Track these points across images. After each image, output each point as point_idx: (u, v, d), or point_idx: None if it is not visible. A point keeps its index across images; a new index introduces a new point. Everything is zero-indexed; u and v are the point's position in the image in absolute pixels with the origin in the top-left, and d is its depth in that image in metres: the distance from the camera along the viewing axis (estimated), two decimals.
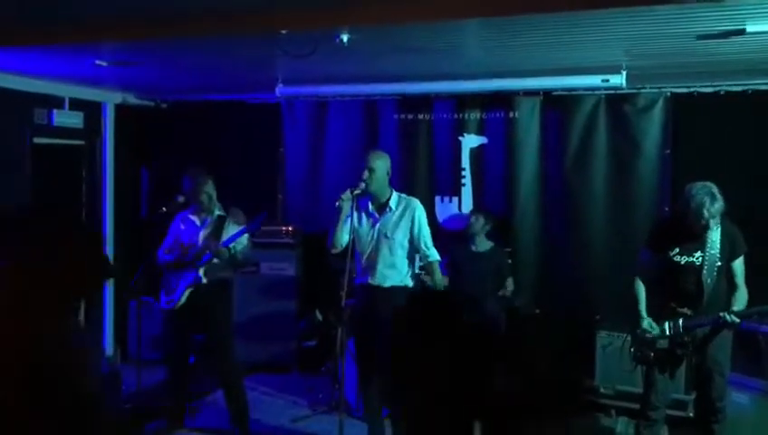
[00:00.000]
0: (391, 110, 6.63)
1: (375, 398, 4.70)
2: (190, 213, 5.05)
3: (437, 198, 6.52)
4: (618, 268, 5.64)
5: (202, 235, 4.96)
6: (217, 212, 4.98)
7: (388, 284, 4.52)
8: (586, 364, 5.60)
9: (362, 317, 4.63)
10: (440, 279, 4.73)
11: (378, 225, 4.55)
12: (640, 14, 3.65)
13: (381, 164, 4.52)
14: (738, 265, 4.24)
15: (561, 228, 6.16)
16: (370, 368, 4.64)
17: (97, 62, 5.17)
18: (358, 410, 5.26)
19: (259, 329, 6.47)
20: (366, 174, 4.46)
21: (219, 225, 4.93)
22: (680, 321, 4.25)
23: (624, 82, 5.38)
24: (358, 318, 4.72)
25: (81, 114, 6.86)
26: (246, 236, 4.90)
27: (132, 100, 7.37)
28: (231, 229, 4.91)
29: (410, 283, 4.63)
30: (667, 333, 4.28)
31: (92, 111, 7.07)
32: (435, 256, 4.62)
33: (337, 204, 4.50)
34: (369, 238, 4.56)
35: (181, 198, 5.04)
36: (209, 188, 4.93)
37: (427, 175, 6.55)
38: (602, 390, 5.49)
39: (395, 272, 4.52)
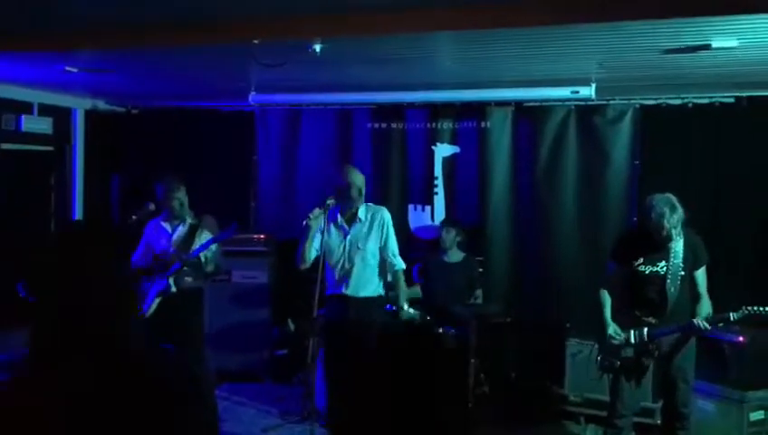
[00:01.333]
0: (365, 118, 6.65)
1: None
2: (162, 220, 5.01)
3: (410, 207, 6.55)
4: (588, 277, 5.71)
5: (173, 242, 4.92)
6: (189, 220, 4.96)
7: (362, 294, 4.54)
8: (556, 372, 5.66)
9: (335, 327, 4.63)
10: (404, 289, 4.74)
11: (348, 236, 4.57)
12: (610, 30, 3.72)
13: (361, 179, 4.56)
14: (701, 274, 4.33)
15: (532, 237, 6.22)
16: (340, 377, 4.64)
17: (67, 68, 5.11)
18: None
19: (231, 338, 6.42)
20: (355, 192, 4.49)
21: (191, 232, 4.91)
22: (645, 329, 4.33)
23: (593, 93, 5.48)
24: (330, 328, 4.71)
25: (50, 120, 6.78)
26: (217, 244, 4.88)
27: (103, 106, 7.30)
28: (203, 237, 4.88)
29: (383, 291, 4.66)
30: (632, 341, 4.35)
31: (62, 116, 6.99)
32: (400, 264, 4.65)
33: (305, 223, 4.51)
34: (342, 250, 4.57)
35: (152, 206, 5.00)
36: (180, 194, 4.90)
37: (399, 183, 6.57)
38: (572, 397, 5.55)
39: (369, 282, 4.55)
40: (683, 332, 4.26)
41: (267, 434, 5.33)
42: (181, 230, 4.94)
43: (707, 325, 4.17)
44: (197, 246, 4.81)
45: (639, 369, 4.39)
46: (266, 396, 6.09)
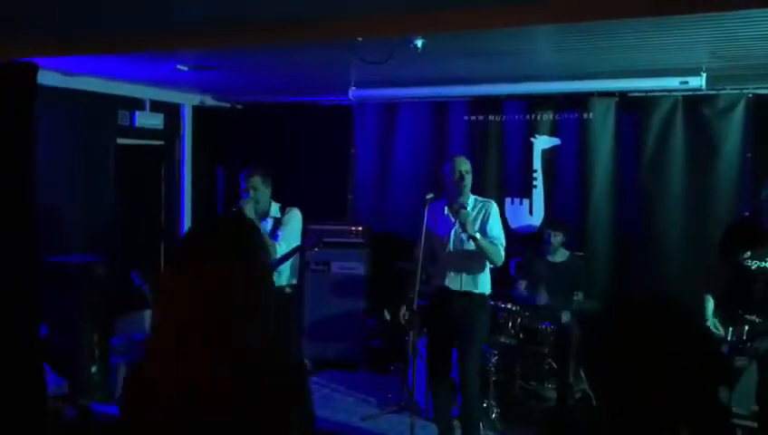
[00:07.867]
0: (461, 111, 6.62)
1: (445, 399, 4.73)
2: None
3: (508, 200, 6.48)
4: (694, 274, 5.49)
5: None
6: (273, 214, 4.93)
7: (467, 289, 4.53)
8: None
9: (439, 319, 4.65)
10: (488, 247, 4.46)
11: (454, 228, 4.56)
12: (724, 18, 3.56)
13: (467, 166, 4.57)
14: None
15: (636, 232, 6.02)
16: (442, 370, 4.68)
17: (178, 66, 5.36)
18: (427, 411, 5.30)
19: (329, 327, 6.59)
20: (467, 178, 4.50)
21: (275, 228, 4.88)
22: (745, 328, 4.07)
23: (704, 83, 5.23)
24: (433, 320, 4.74)
25: (161, 115, 7.12)
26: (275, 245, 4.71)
27: (209, 101, 7.60)
28: (283, 231, 4.83)
29: (488, 289, 4.62)
30: (728, 338, 4.10)
31: (172, 112, 7.33)
32: (500, 250, 4.51)
33: (427, 198, 4.51)
34: (447, 241, 4.58)
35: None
36: (252, 183, 4.79)
37: (497, 177, 6.51)
38: None
39: (475, 276, 4.53)
40: None
41: (366, 423, 5.44)
42: (265, 226, 4.82)
43: None
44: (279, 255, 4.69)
45: (732, 369, 4.12)
46: (363, 385, 6.20)
